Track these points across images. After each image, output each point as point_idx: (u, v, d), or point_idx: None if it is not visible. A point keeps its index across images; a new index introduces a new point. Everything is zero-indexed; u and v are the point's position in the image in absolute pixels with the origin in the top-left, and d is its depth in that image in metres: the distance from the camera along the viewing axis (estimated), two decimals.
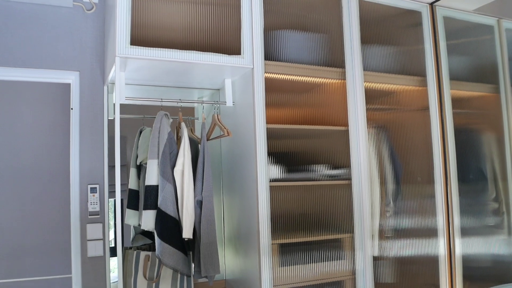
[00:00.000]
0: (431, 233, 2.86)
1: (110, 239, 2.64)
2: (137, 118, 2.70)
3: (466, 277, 2.80)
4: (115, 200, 2.61)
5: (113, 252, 2.70)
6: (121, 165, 2.18)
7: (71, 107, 2.63)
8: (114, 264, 2.63)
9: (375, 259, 2.66)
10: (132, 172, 2.56)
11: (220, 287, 2.80)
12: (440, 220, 2.86)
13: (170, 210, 2.30)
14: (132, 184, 2.55)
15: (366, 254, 2.60)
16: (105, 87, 2.67)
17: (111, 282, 2.61)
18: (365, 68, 2.72)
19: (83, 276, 2.57)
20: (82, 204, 2.59)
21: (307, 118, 2.69)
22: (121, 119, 2.44)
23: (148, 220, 2.35)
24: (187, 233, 2.30)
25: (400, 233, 2.81)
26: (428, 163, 2.89)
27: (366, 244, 2.60)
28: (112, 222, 2.65)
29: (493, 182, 2.89)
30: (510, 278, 2.70)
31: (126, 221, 2.54)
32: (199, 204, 2.34)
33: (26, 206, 3.63)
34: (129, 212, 2.54)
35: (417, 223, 2.85)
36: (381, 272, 2.70)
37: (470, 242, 2.79)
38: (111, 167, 2.65)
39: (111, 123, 2.64)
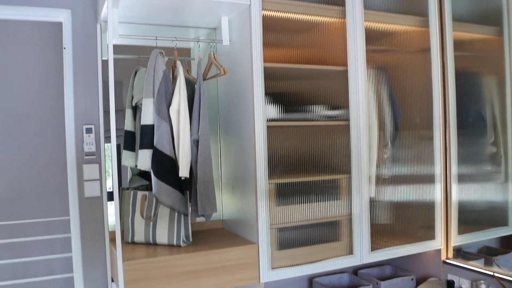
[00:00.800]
0: (428, 179, 2.86)
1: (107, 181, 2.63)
2: (132, 58, 2.63)
3: (461, 220, 2.82)
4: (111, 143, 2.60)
5: (110, 196, 2.70)
6: (116, 110, 2.14)
7: (63, 47, 2.56)
8: (112, 206, 2.64)
9: (372, 200, 2.66)
10: (128, 113, 2.52)
11: (217, 227, 2.82)
12: (438, 166, 2.85)
13: (166, 149, 2.28)
14: (128, 125, 2.52)
15: (362, 195, 2.60)
16: (98, 26, 2.59)
17: (109, 223, 2.62)
18: (366, 7, 2.63)
19: (81, 217, 2.58)
20: (77, 145, 2.56)
21: (305, 57, 2.63)
22: (115, 60, 2.37)
23: (144, 159, 2.33)
24: (183, 172, 2.28)
25: (397, 178, 2.81)
26: (428, 106, 2.86)
27: (363, 185, 2.60)
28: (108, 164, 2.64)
29: (492, 126, 2.86)
30: (504, 221, 2.71)
31: (122, 163, 2.53)
32: (195, 143, 2.32)
33: (22, 149, 3.61)
34: (125, 153, 2.52)
35: (414, 168, 2.85)
36: (377, 214, 2.71)
37: (467, 188, 2.80)
38: (106, 112, 2.61)
39: (105, 64, 2.58)
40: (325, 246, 2.56)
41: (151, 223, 2.42)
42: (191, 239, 2.44)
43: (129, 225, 2.46)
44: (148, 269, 2.18)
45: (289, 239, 2.49)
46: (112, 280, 2.66)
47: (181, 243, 2.39)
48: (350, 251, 2.61)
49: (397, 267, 3.07)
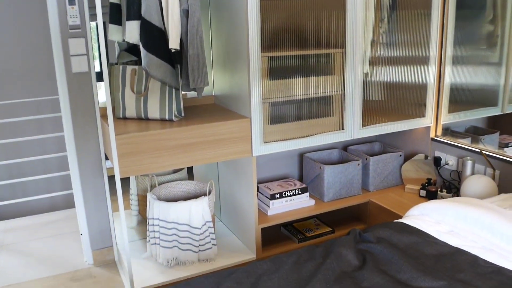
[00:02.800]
0: (423, 60, 2.79)
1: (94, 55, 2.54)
2: None
3: (451, 100, 2.81)
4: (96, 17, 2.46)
5: (99, 77, 2.62)
6: None
7: None
8: (101, 83, 2.57)
9: (365, 76, 2.62)
10: None
11: (209, 102, 2.79)
12: (433, 48, 2.78)
13: (154, 19, 2.16)
14: None
15: (356, 71, 2.55)
16: None
17: (99, 99, 2.57)
18: None
19: (70, 95, 2.51)
20: (61, 17, 2.43)
21: None
22: None
23: (132, 31, 2.22)
24: (173, 44, 2.19)
25: (391, 58, 2.74)
26: None
27: (357, 61, 2.54)
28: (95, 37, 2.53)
29: (492, 2, 2.74)
30: (494, 102, 2.70)
31: (109, 37, 2.41)
32: (185, 14, 2.20)
33: (5, 28, 3.45)
34: (112, 28, 2.40)
35: (409, 50, 2.77)
36: (370, 91, 2.68)
37: (460, 70, 2.75)
38: None
39: None
40: (317, 121, 2.56)
41: (142, 98, 2.37)
42: (183, 114, 2.41)
43: (120, 101, 2.41)
44: (140, 142, 2.17)
45: (282, 114, 2.47)
46: (107, 158, 2.67)
47: (173, 118, 2.36)
48: (342, 127, 2.62)
49: (386, 144, 3.11)
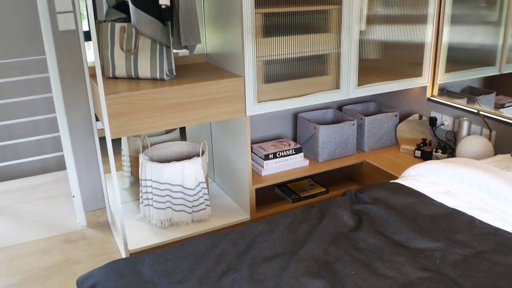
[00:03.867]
0: (421, 19, 2.70)
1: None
2: None
3: (449, 60, 2.74)
4: None
5: (87, 36, 2.51)
6: None
7: None
8: (90, 42, 2.47)
9: (362, 34, 2.53)
10: None
11: (201, 61, 2.70)
12: (432, 7, 2.68)
13: None
14: None
15: (352, 29, 2.46)
16: None
17: (87, 58, 2.47)
18: None
19: (58, 54, 2.41)
20: None
21: None
22: None
23: None
24: None
25: (389, 17, 2.64)
26: None
27: (354, 18, 2.44)
28: None
29: None
30: (492, 62, 2.64)
31: None
32: None
33: None
34: None
35: (407, 8, 2.67)
36: (366, 50, 2.60)
37: (458, 30, 2.67)
38: None
39: None
40: (312, 80, 2.48)
41: (132, 56, 2.28)
42: (174, 73, 2.33)
43: (109, 59, 2.32)
44: (131, 102, 2.10)
45: (276, 73, 2.40)
46: (97, 119, 2.60)
47: (165, 77, 2.28)
48: (337, 86, 2.55)
49: (381, 104, 3.05)
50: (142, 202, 2.49)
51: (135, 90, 2.12)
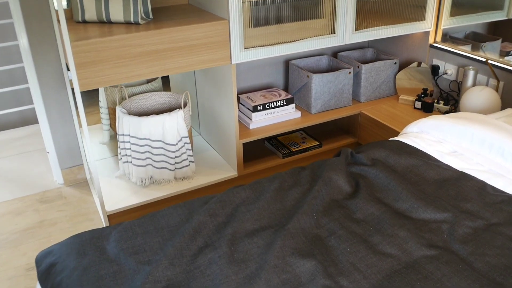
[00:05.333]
0: None
1: None
2: None
3: (454, 2, 2.44)
4: None
5: None
6: None
7: None
8: None
9: None
10: None
11: (182, 3, 2.39)
12: None
13: None
14: None
15: None
16: None
17: (55, 2, 2.17)
18: None
19: None
20: None
21: None
22: None
23: None
24: None
25: None
26: None
27: None
28: None
29: None
30: (500, 5, 2.34)
31: None
32: None
33: None
34: None
35: None
36: None
37: None
38: None
39: None
40: (304, 24, 2.20)
41: None
42: (151, 16, 2.03)
43: (78, 1, 2.01)
44: (102, 50, 1.82)
45: (265, 15, 2.10)
46: (68, 69, 2.31)
47: (139, 20, 1.99)
48: (332, 30, 2.27)
49: (379, 50, 2.78)
50: (121, 158, 2.26)
51: (106, 35, 1.83)
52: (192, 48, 1.97)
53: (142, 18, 2.00)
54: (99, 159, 2.47)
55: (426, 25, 2.51)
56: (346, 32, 2.29)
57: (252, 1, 2.03)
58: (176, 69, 1.98)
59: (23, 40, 2.16)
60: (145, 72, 1.93)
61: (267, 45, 2.12)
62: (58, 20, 2.15)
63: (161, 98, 2.39)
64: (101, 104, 2.51)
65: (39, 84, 2.25)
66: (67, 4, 2.17)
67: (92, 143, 2.50)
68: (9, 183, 2.47)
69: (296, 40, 2.18)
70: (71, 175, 2.44)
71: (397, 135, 2.20)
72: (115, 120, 2.53)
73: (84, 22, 2.06)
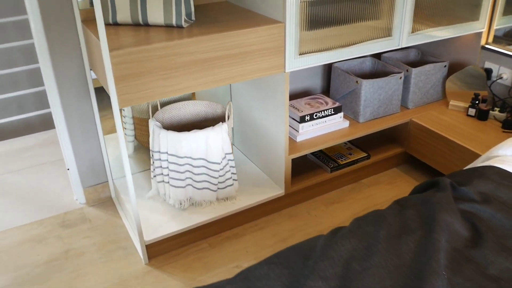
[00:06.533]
0: None
1: None
2: None
3: (508, 1, 2.19)
4: None
5: None
6: None
7: None
8: None
9: None
10: None
11: (218, 0, 2.06)
12: None
13: None
14: None
15: None
16: None
17: None
18: None
19: None
20: None
21: None
22: None
23: None
24: None
25: None
26: None
27: None
28: None
29: None
30: None
31: None
32: None
33: None
34: None
35: None
36: None
37: None
38: None
39: None
40: (360, 26, 1.90)
41: None
42: (193, 18, 1.71)
43: (108, 0, 1.67)
44: (145, 60, 1.49)
45: (319, 16, 1.80)
46: (92, 74, 1.96)
47: (183, 23, 1.66)
48: (389, 33, 1.98)
49: (423, 51, 2.50)
50: (155, 177, 1.94)
51: (146, 43, 1.51)
52: (245, 55, 1.66)
53: (185, 20, 1.67)
54: (122, 176, 2.15)
55: (479, 25, 2.24)
56: (403, 35, 2.00)
57: (310, 1, 1.72)
58: (227, 80, 1.67)
59: (40, 40, 1.81)
60: (193, 84, 1.61)
61: (322, 51, 1.82)
62: (83, 20, 1.81)
63: (196, 107, 2.07)
64: (124, 113, 2.17)
65: (58, 89, 1.90)
66: (90, 2, 1.82)
67: (113, 156, 2.17)
68: (23, 203, 2.13)
69: (352, 44, 1.89)
70: (94, 194, 2.12)
71: (454, 146, 1.95)
72: (141, 130, 2.21)
73: (116, 24, 1.72)
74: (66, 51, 1.85)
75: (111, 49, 1.45)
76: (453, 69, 2.43)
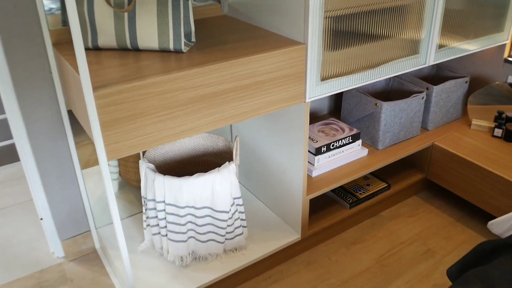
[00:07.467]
0: None
1: None
2: None
3: None
4: None
5: None
6: None
7: None
8: None
9: None
10: None
11: (216, 15, 1.70)
12: None
13: None
14: None
15: None
16: None
17: (47, 19, 1.42)
18: None
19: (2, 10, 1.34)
20: None
21: None
22: None
23: None
24: None
25: None
26: None
27: None
28: None
29: None
30: None
31: None
32: None
33: None
34: None
35: None
36: None
37: None
38: None
39: None
40: (385, 44, 1.59)
41: (126, 14, 1.27)
42: (193, 39, 1.35)
43: (87, 20, 1.29)
44: (140, 99, 1.13)
45: (344, 33, 1.47)
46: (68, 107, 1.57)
47: (182, 48, 1.30)
48: (415, 50, 1.67)
49: (439, 65, 2.21)
50: (148, 226, 1.58)
51: (139, 76, 1.14)
52: (259, 86, 1.32)
53: (185, 43, 1.31)
54: (107, 224, 1.78)
55: (504, 36, 1.97)
56: (431, 52, 1.70)
57: (334, 16, 1.39)
58: (238, 116, 1.32)
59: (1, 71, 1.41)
60: (198, 124, 1.26)
61: (345, 74, 1.50)
62: (54, 44, 1.42)
63: (194, 141, 1.72)
64: None
65: (23, 121, 1.51)
66: (63, 21, 1.43)
67: (94, 197, 1.78)
68: None
69: (377, 65, 1.57)
70: (74, 246, 1.73)
71: (484, 173, 1.66)
72: (126, 166, 1.83)
73: (97, 49, 1.34)
74: (33, 81, 1.45)
75: (95, 87, 1.08)
76: (472, 84, 2.16)
